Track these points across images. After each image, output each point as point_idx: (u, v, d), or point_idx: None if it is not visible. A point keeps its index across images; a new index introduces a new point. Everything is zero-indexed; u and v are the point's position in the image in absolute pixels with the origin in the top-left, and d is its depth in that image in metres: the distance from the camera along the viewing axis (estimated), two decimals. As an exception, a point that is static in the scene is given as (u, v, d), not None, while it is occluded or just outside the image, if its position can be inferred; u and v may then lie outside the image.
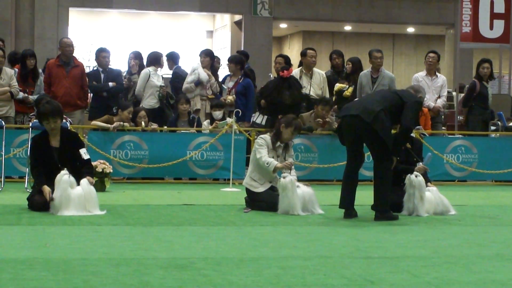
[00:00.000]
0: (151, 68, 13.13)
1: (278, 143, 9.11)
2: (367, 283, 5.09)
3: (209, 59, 13.48)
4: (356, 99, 8.53)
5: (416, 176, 8.72)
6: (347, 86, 13.62)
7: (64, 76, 12.71)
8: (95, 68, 13.42)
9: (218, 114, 12.70)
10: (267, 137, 9.16)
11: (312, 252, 6.24)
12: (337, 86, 13.71)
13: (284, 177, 8.65)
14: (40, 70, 13.06)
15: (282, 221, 8.13)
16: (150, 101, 12.97)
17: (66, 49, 12.85)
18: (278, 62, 13.67)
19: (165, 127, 12.74)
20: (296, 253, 6.16)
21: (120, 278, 5.03)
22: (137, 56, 13.80)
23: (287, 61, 13.66)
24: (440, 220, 8.48)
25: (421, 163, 9.06)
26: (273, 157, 9.01)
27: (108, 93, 12.89)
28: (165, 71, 14.86)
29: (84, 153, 8.66)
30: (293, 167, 9.10)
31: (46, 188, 8.26)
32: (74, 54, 13.07)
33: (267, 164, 8.91)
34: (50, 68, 12.82)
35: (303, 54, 13.55)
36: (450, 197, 9.28)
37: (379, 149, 8.23)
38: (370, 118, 8.05)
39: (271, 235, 7.18)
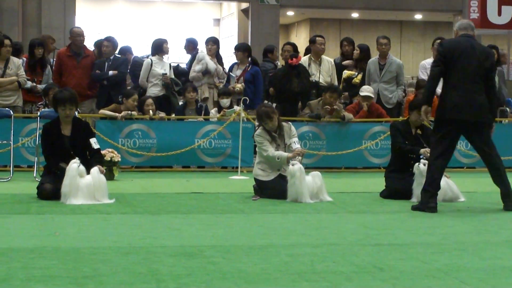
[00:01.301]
0: (153, 57, 13.03)
1: (272, 133, 9.09)
2: (376, 270, 5.08)
3: (216, 47, 13.48)
4: (457, 93, 8.02)
5: (424, 165, 8.68)
6: (356, 73, 13.59)
7: (75, 66, 12.70)
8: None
9: (225, 102, 12.68)
10: (261, 131, 9.12)
11: (321, 240, 6.23)
12: (346, 73, 13.67)
13: (293, 165, 8.63)
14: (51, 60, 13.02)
15: (290, 209, 8.12)
16: (154, 89, 12.89)
17: (77, 39, 12.81)
18: (286, 50, 13.62)
19: (173, 115, 12.73)
20: (305, 241, 6.16)
21: (129, 266, 5.04)
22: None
23: (295, 49, 13.62)
24: (449, 207, 8.46)
25: (428, 148, 9.02)
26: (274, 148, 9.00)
27: (108, 82, 12.81)
28: (173, 60, 14.77)
29: (94, 143, 8.67)
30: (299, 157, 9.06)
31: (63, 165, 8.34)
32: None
33: (278, 159, 8.90)
34: (61, 58, 12.80)
35: (312, 41, 13.51)
36: (459, 184, 9.25)
37: (488, 136, 8.25)
38: (489, 119, 8.15)
39: (279, 223, 7.18)
